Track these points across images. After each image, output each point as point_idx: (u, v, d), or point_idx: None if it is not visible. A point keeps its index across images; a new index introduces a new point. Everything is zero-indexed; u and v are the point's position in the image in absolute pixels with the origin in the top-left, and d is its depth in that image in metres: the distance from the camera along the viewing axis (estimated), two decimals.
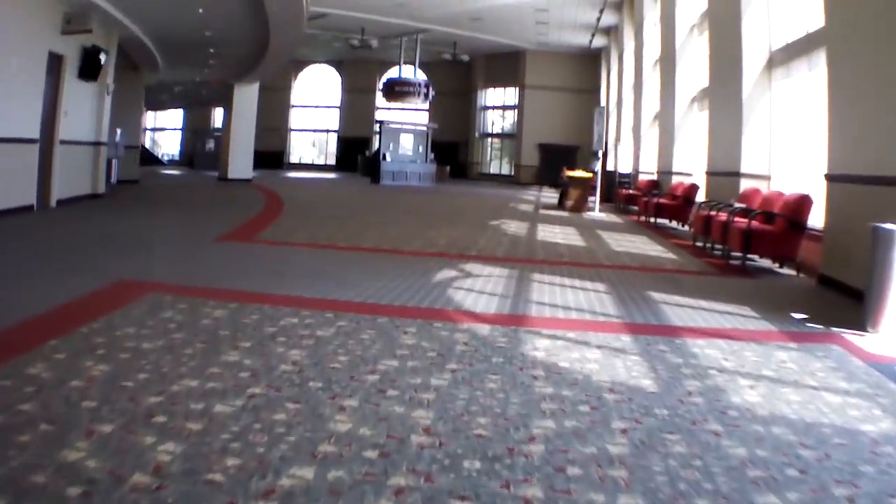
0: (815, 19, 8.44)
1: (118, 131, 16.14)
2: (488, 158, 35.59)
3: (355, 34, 27.60)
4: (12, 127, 9.04)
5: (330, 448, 2.46)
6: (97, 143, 12.68)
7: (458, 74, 34.16)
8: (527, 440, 2.64)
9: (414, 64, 29.00)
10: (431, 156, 26.88)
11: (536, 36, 27.92)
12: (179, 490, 2.11)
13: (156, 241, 8.20)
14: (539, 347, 3.97)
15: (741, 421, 3.00)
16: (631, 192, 17.05)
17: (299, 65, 36.73)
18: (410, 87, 28.51)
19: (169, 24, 13.43)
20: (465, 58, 31.13)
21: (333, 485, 2.20)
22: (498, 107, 34.99)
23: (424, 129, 27.51)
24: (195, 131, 36.40)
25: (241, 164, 21.23)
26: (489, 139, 35.66)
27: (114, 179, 16.67)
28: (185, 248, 7.70)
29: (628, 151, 21.44)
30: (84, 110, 12.00)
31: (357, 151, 34.88)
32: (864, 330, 4.80)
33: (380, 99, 33.19)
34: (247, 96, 21.33)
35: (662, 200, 13.18)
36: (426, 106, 31.43)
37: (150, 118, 41.33)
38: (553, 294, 5.72)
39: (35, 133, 9.75)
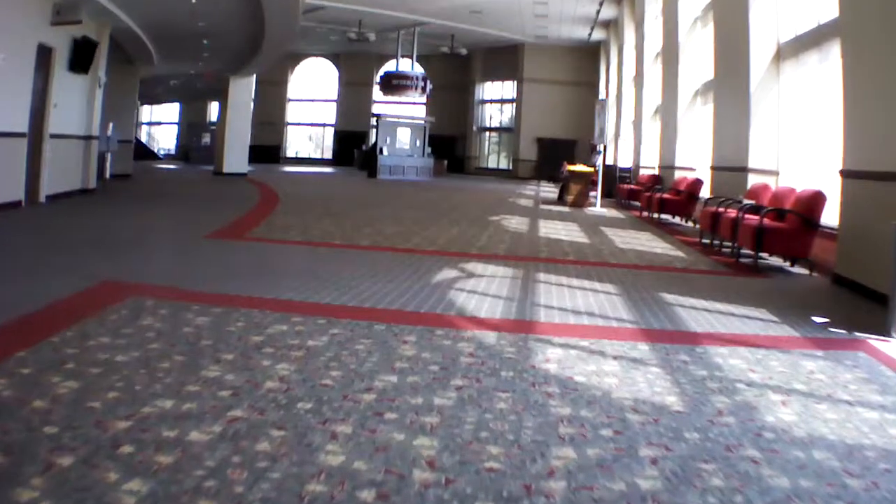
0: (826, 10, 8.18)
1: (110, 125, 15.82)
2: (486, 153, 35.19)
3: (353, 27, 27.22)
4: (0, 121, 8.75)
5: (319, 488, 2.13)
6: (88, 137, 12.37)
7: (455, 68, 33.75)
8: (545, 474, 2.31)
9: (411, 57, 28.62)
10: (429, 150, 26.56)
11: (535, 29, 27.55)
12: None
13: (143, 238, 7.88)
14: (551, 358, 3.64)
15: (779, 444, 2.70)
16: (632, 186, 16.74)
17: (296, 58, 36.32)
18: (408, 80, 28.11)
19: (161, 15, 13.10)
20: (464, 51, 30.75)
21: None
22: (496, 100, 34.58)
23: (422, 122, 27.17)
24: (191, 125, 36.01)
25: (236, 158, 20.90)
26: (487, 133, 35.25)
27: (108, 174, 16.41)
28: (172, 245, 7.37)
29: (628, 145, 21.14)
30: (75, 104, 11.70)
31: (354, 146, 34.48)
32: (889, 335, 4.52)
33: (377, 93, 32.77)
34: (242, 89, 21.00)
35: (666, 196, 12.87)
36: (423, 100, 31.07)
37: (147, 112, 40.97)
38: (561, 296, 5.39)
39: (24, 127, 9.46)
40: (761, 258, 7.91)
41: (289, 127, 38.19)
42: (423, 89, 28.08)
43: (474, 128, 34.69)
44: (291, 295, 4.85)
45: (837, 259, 6.88)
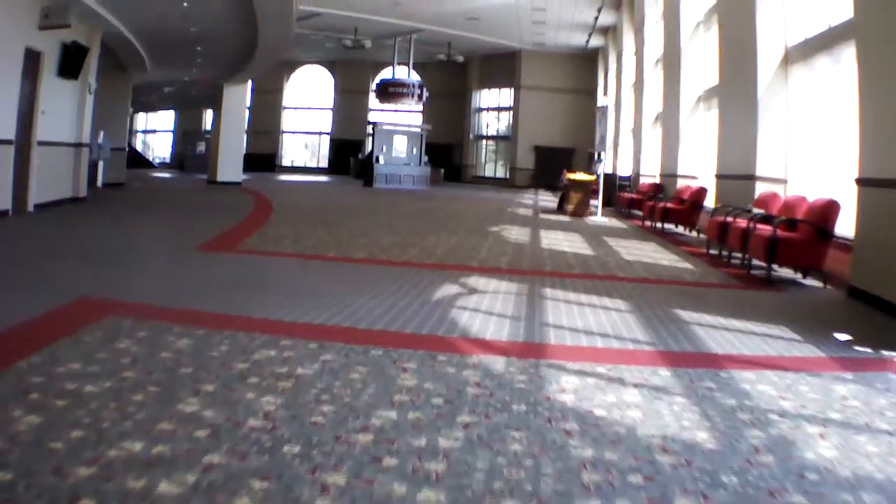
0: (836, 12, 7.92)
1: (101, 133, 15.53)
2: (483, 161, 34.90)
3: (348, 34, 26.96)
4: None
5: None
6: (78, 145, 12.07)
7: (452, 75, 33.52)
8: None
9: (408, 65, 28.36)
10: (425, 158, 26.27)
11: (533, 36, 27.33)
12: None
13: (130, 249, 7.55)
14: (566, 388, 3.30)
15: (825, 487, 2.40)
16: (633, 195, 16.45)
17: (291, 66, 36.09)
18: (404, 88, 27.84)
19: (153, 19, 12.81)
20: (460, 58, 30.54)
21: None
22: (493, 108, 34.33)
23: (418, 130, 26.89)
24: (186, 133, 35.68)
25: (230, 166, 20.61)
26: (484, 141, 34.97)
27: (100, 182, 16.11)
28: (159, 258, 7.03)
29: (628, 153, 20.87)
30: (64, 110, 11.42)
31: (350, 154, 34.24)
32: None
33: (373, 100, 32.50)
34: (236, 97, 20.74)
35: (669, 205, 12.57)
36: (420, 107, 30.83)
37: (142, 120, 40.66)
38: (570, 314, 5.05)
39: (10, 134, 9.19)
40: (772, 270, 7.61)
41: (284, 135, 37.90)
42: (420, 97, 27.82)
43: (471, 136, 34.42)
44: (281, 314, 4.50)
45: (853, 271, 6.61)
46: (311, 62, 36.26)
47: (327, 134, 37.33)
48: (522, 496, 2.21)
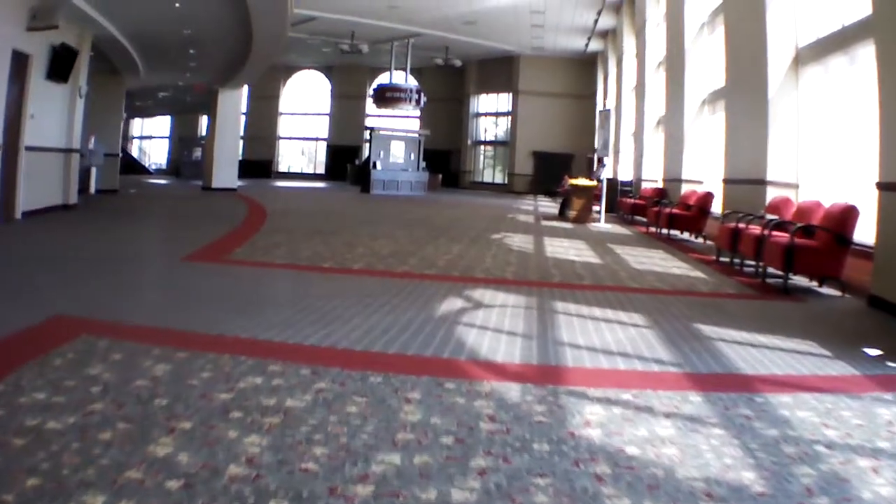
0: (851, 10, 7.62)
1: (92, 138, 15.17)
2: (481, 166, 34.55)
3: (345, 39, 26.66)
4: None
5: None
6: (68, 150, 11.72)
7: (450, 80, 33.22)
8: None
9: (405, 69, 28.04)
10: (423, 164, 25.94)
11: (531, 40, 27.02)
12: None
13: (116, 259, 7.17)
14: (591, 421, 2.92)
15: None
16: (636, 201, 16.12)
17: (288, 71, 35.80)
18: (402, 93, 27.51)
19: (144, 21, 12.51)
20: (458, 63, 30.25)
21: None
22: (491, 113, 33.99)
23: (416, 136, 26.57)
24: (182, 139, 35.32)
25: (225, 172, 20.29)
26: (482, 147, 34.63)
27: (93, 189, 15.75)
28: (144, 269, 6.69)
29: (628, 158, 20.55)
30: (53, 114, 11.09)
31: (347, 160, 33.88)
32: None
33: (370, 106, 32.18)
34: (231, 102, 20.41)
35: (675, 211, 12.23)
36: (417, 112, 30.51)
37: (138, 126, 40.31)
38: (585, 331, 4.68)
39: None
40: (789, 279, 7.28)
41: (281, 141, 37.56)
42: (418, 102, 27.50)
43: (469, 141, 34.09)
44: (271, 334, 4.11)
45: (874, 279, 6.31)
46: (308, 67, 35.98)
47: (324, 140, 36.98)
48: None
